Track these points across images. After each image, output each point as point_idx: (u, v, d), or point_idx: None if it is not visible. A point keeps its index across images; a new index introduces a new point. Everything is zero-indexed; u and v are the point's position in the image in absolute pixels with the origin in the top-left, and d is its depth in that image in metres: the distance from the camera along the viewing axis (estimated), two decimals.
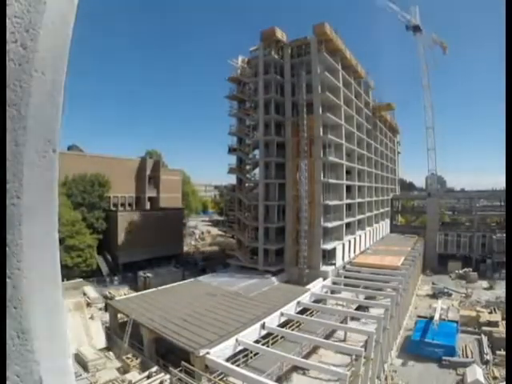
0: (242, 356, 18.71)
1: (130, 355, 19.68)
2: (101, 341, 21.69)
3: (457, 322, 26.87)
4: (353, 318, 25.00)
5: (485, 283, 38.77)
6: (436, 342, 22.19)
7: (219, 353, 16.94)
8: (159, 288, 27.45)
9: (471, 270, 42.69)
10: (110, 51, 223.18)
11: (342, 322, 24.41)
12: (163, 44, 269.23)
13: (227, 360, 17.06)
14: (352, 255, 39.76)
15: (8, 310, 0.96)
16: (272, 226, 35.26)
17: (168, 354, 20.03)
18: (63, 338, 1.12)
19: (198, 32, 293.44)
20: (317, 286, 28.48)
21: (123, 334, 21.94)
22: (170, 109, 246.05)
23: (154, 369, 17.12)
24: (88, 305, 24.47)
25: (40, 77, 1.00)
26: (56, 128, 1.07)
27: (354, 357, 17.93)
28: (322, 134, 33.97)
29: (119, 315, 24.03)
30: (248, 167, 38.47)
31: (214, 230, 67.48)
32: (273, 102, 35.22)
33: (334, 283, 31.01)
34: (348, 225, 40.30)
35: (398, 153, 75.65)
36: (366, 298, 28.35)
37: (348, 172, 41.02)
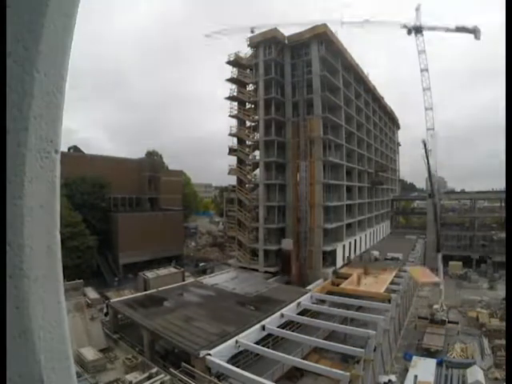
0: (242, 357, 18.71)
1: (130, 356, 19.64)
2: (101, 342, 21.65)
3: (457, 322, 26.87)
4: (353, 320, 24.96)
5: (485, 283, 38.75)
6: None
7: (219, 354, 16.91)
8: (159, 289, 27.43)
9: (472, 270, 42.78)
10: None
11: (342, 324, 24.38)
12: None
13: (227, 361, 17.03)
14: (352, 256, 39.76)
15: (9, 309, 0.96)
16: (272, 226, 35.27)
17: (168, 355, 20.04)
18: (64, 338, 1.12)
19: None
20: (317, 288, 28.45)
21: (123, 335, 21.95)
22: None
23: (155, 370, 17.08)
24: (88, 306, 24.41)
25: (42, 77, 1.00)
26: (58, 129, 1.08)
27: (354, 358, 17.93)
28: (322, 134, 34.01)
29: (119, 316, 24.05)
30: (248, 168, 38.50)
31: (215, 231, 67.52)
32: (273, 103, 35.28)
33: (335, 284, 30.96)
34: (348, 226, 40.31)
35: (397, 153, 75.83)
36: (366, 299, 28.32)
37: (348, 173, 41.07)
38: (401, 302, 26.16)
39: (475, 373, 18.89)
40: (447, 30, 49.89)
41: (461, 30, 49.73)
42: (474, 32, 49.37)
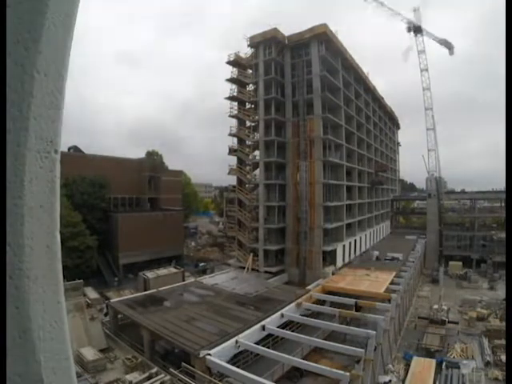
0: (242, 357, 18.71)
1: (130, 356, 19.64)
2: (101, 342, 21.66)
3: (457, 322, 26.87)
4: (353, 320, 24.94)
5: (485, 283, 38.76)
6: None
7: (219, 354, 16.91)
8: (159, 289, 27.44)
9: (472, 270, 42.79)
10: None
11: (342, 324, 24.36)
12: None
13: (227, 361, 17.03)
14: (353, 256, 39.78)
15: (9, 309, 0.96)
16: (272, 226, 35.26)
17: (168, 355, 20.05)
18: (64, 338, 1.12)
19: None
20: (317, 287, 28.43)
21: (123, 335, 21.95)
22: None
23: (155, 370, 17.08)
24: (88, 306, 24.41)
25: (42, 78, 1.00)
26: (58, 129, 1.08)
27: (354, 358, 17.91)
28: (322, 134, 34.01)
29: (119, 316, 24.06)
30: (248, 168, 38.49)
31: (215, 231, 67.56)
32: (273, 103, 35.28)
33: None
34: (348, 226, 40.31)
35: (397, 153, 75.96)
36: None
37: (348, 173, 41.07)
38: (401, 302, 26.15)
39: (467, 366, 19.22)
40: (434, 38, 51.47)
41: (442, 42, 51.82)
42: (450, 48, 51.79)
